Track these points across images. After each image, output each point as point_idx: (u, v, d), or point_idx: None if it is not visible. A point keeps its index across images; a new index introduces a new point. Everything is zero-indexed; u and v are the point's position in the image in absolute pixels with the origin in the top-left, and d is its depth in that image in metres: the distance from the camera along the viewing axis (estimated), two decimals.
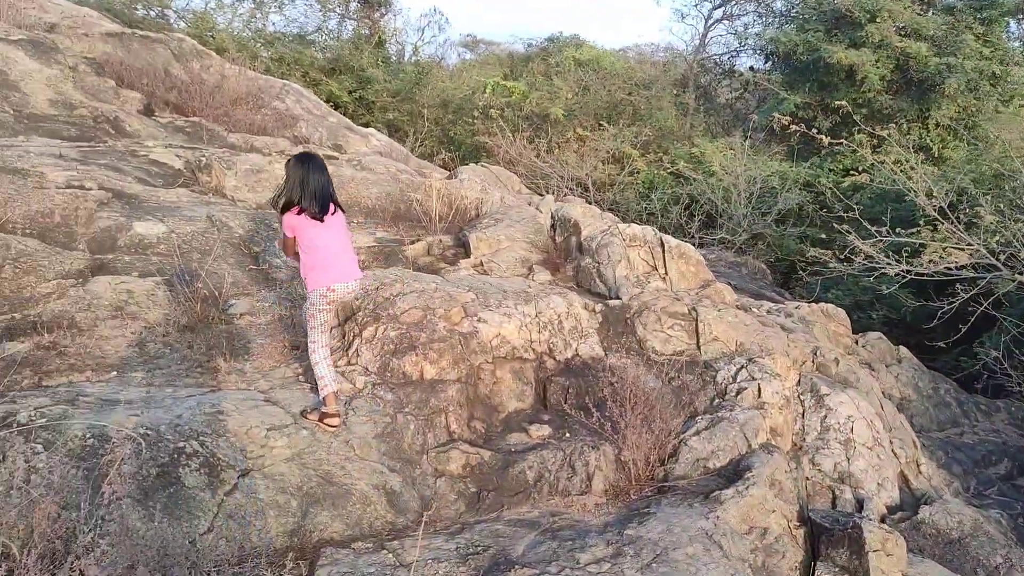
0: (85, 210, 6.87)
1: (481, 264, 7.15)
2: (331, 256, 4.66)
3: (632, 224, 7.88)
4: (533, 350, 5.88)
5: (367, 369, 5.17)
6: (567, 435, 5.43)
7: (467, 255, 7.44)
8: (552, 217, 7.94)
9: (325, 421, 4.63)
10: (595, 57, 23.02)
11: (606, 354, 6.18)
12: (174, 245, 6.91)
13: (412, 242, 7.82)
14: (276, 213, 4.99)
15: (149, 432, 3.95)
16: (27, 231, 6.46)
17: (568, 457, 5.16)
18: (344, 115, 21.85)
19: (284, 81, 16.37)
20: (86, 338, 5.39)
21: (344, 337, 5.48)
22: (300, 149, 10.17)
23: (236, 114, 13.45)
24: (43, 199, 6.78)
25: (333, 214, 4.70)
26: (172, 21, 21.79)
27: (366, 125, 19.61)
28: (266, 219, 7.86)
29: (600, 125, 19.83)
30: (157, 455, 3.86)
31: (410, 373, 5.19)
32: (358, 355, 5.26)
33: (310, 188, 4.61)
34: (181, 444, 3.98)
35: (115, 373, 4.91)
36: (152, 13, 21.28)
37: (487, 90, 23.59)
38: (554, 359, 5.97)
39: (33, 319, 5.59)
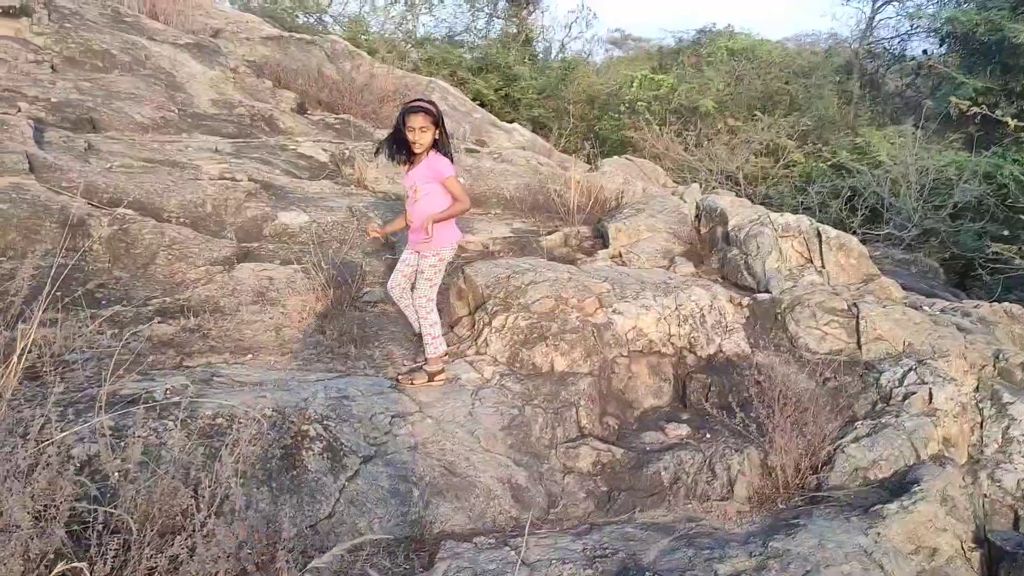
0: (235, 200, 7.11)
1: (619, 255, 6.87)
2: None
3: (785, 213, 7.36)
4: (672, 344, 5.55)
5: (496, 359, 5.02)
6: (707, 436, 5.07)
7: (605, 246, 7.17)
8: (697, 207, 7.55)
9: (437, 378, 4.68)
10: (750, 46, 22.11)
11: (752, 351, 5.75)
12: (314, 234, 7.03)
13: (549, 232, 7.63)
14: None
15: (275, 414, 3.94)
16: (181, 219, 6.74)
17: (708, 459, 4.82)
18: (490, 112, 22.04)
19: (430, 79, 16.62)
20: (228, 322, 5.53)
21: (474, 326, 5.35)
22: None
23: (383, 111, 13.74)
24: (196, 189, 7.06)
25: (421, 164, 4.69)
26: (329, 25, 22.69)
27: (511, 122, 19.68)
28: (391, 206, 7.88)
29: (753, 116, 18.99)
30: (282, 437, 3.85)
31: (540, 364, 4.99)
32: (487, 344, 5.12)
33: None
34: (305, 427, 3.95)
35: (251, 356, 4.99)
36: (311, 19, 22.24)
37: (634, 84, 23.15)
38: (695, 355, 5.61)
39: (183, 303, 5.80)
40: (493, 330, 5.16)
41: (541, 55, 30.01)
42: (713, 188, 15.60)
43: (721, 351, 5.71)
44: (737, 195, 14.37)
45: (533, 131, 19.60)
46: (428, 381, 4.67)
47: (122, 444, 3.52)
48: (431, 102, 4.65)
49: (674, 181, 14.80)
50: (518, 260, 6.01)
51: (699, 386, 5.43)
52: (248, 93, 12.17)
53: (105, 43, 11.12)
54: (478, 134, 15.45)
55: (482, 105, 22.59)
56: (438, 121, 4.54)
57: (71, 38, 10.81)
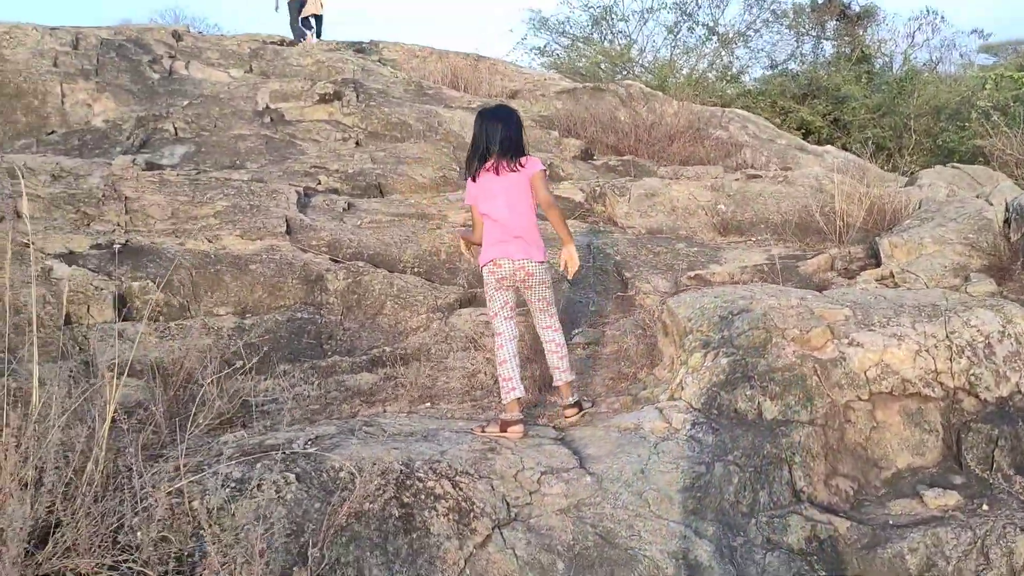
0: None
1: (891, 275, 5.53)
2: None
3: None
4: (940, 384, 4.23)
5: (690, 405, 4.16)
6: (983, 507, 3.72)
7: (878, 266, 5.85)
8: (1006, 209, 5.89)
9: (509, 430, 4.00)
10: None
11: None
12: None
13: (813, 256, 6.46)
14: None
15: (402, 468, 3.54)
16: (415, 269, 6.77)
17: (981, 540, 3.50)
18: (817, 141, 20.28)
19: (725, 109, 15.64)
20: (427, 368, 5.31)
21: (672, 366, 4.54)
22: (736, 174, 9.35)
23: (672, 148, 13.14)
24: (433, 239, 7.07)
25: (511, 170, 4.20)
26: (637, 73, 22.63)
27: (843, 147, 17.87)
28: (647, 244, 7.23)
29: None
30: (402, 494, 3.43)
31: (743, 410, 4.04)
32: (682, 388, 4.28)
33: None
34: (431, 484, 3.49)
35: (428, 404, 4.69)
36: (616, 72, 22.36)
37: (986, 86, 19.88)
38: (976, 398, 4.22)
39: (400, 351, 5.72)
40: (689, 370, 4.30)
41: (879, 71, 27.18)
42: None
43: (1019, 392, 4.24)
44: None
45: (868, 153, 17.55)
46: (500, 432, 4.01)
47: (242, 494, 3.35)
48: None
49: None
50: (735, 287, 5.05)
51: (981, 440, 4.05)
52: (533, 146, 12.30)
53: (403, 115, 11.95)
54: (783, 160, 14.12)
55: (807, 134, 20.92)
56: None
57: (374, 115, 11.77)
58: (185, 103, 11.26)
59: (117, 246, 6.17)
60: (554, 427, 4.20)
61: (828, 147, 15.52)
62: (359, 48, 16.13)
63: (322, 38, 14.91)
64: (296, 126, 11.38)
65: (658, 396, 4.38)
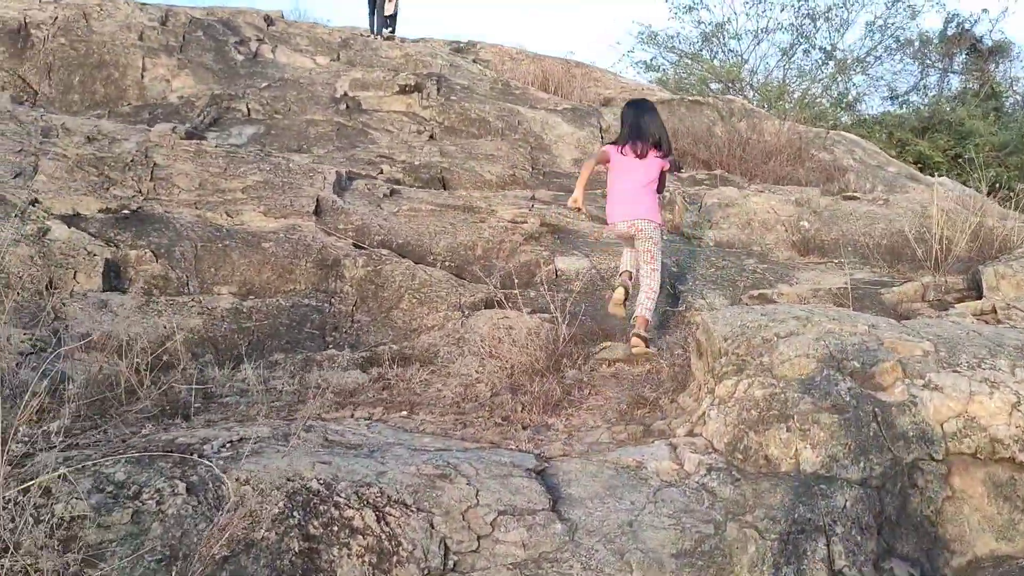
0: (509, 243, 6.22)
1: (993, 310, 4.42)
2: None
3: None
4: None
5: (711, 444, 3.25)
6: None
7: (979, 298, 4.74)
8: None
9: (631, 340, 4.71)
10: None
11: None
12: (589, 281, 5.81)
13: (902, 283, 5.37)
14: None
15: (320, 489, 2.78)
16: (446, 263, 6.04)
17: None
18: (934, 175, 18.58)
19: (830, 131, 14.33)
20: (429, 372, 4.55)
21: (699, 393, 3.62)
22: (833, 198, 8.25)
23: (768, 167, 12.03)
24: (472, 232, 6.34)
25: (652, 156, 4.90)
26: (747, 94, 21.33)
27: (965, 183, 16.25)
28: (711, 257, 6.27)
29: None
30: (310, 523, 2.67)
31: (775, 458, 3.10)
32: (704, 422, 3.36)
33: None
34: (350, 514, 2.72)
35: (404, 413, 3.92)
36: (726, 92, 21.13)
37: None
38: None
39: (405, 351, 5.00)
40: (716, 401, 3.38)
41: (1009, 111, 24.93)
42: None
43: None
44: None
45: (990, 193, 15.86)
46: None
47: (115, 502, 2.67)
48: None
49: None
50: (788, 305, 4.08)
51: None
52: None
53: (483, 112, 11.31)
54: (890, 189, 12.74)
55: (922, 168, 19.22)
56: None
57: (453, 109, 11.17)
58: (263, 85, 10.94)
59: (126, 212, 5.70)
60: (537, 455, 3.35)
61: (943, 179, 14.00)
62: (456, 47, 15.64)
63: (394, 34, 14.42)
64: (371, 115, 10.89)
65: (675, 429, 3.48)
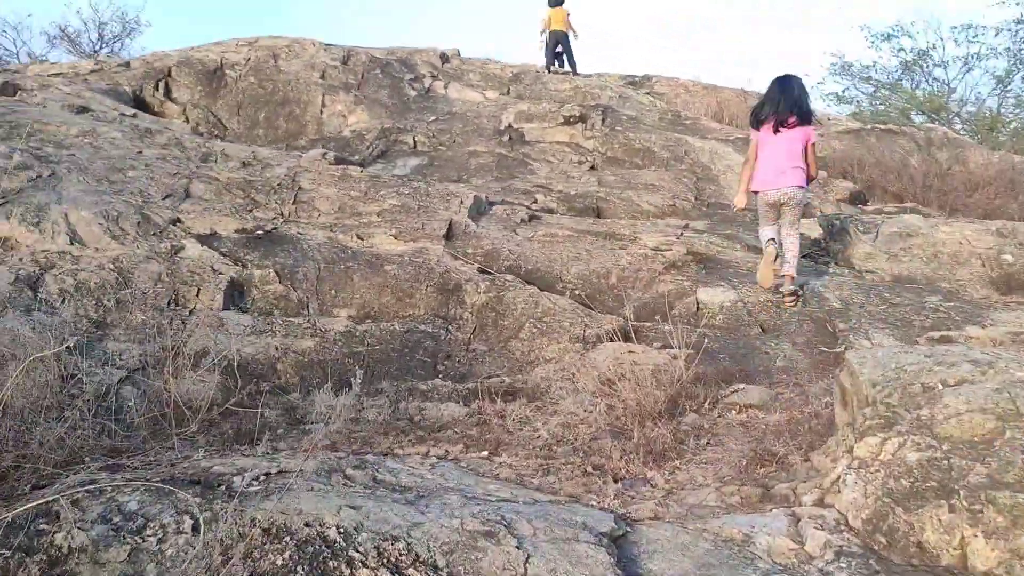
0: (647, 272, 5.56)
1: None
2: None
3: None
4: None
5: (843, 520, 2.45)
6: None
7: None
8: None
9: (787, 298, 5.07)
10: None
11: None
12: (734, 316, 5.03)
13: None
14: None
15: (337, 540, 2.30)
16: (576, 290, 5.47)
17: None
18: None
19: None
20: (532, 409, 3.99)
21: (836, 450, 2.80)
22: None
23: (972, 200, 10.56)
24: (606, 259, 5.73)
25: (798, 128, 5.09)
26: (956, 127, 19.09)
27: None
28: (884, 293, 5.27)
29: None
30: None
31: (931, 547, 2.25)
32: (838, 489, 2.56)
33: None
34: (363, 574, 2.21)
35: (485, 453, 3.37)
36: (930, 120, 19.05)
37: None
38: None
39: (517, 384, 4.48)
40: (854, 462, 2.56)
41: None
42: None
43: None
44: None
45: None
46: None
47: (116, 535, 2.33)
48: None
49: None
50: (965, 346, 3.13)
51: None
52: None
53: (648, 142, 10.72)
54: None
55: None
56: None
57: (616, 140, 10.67)
58: (431, 119, 10.97)
59: (260, 232, 5.62)
60: (620, 516, 2.68)
61: None
62: (631, 80, 15.14)
63: (576, 70, 14.07)
64: (533, 146, 10.59)
65: (800, 495, 2.69)
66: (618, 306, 5.32)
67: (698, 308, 5.21)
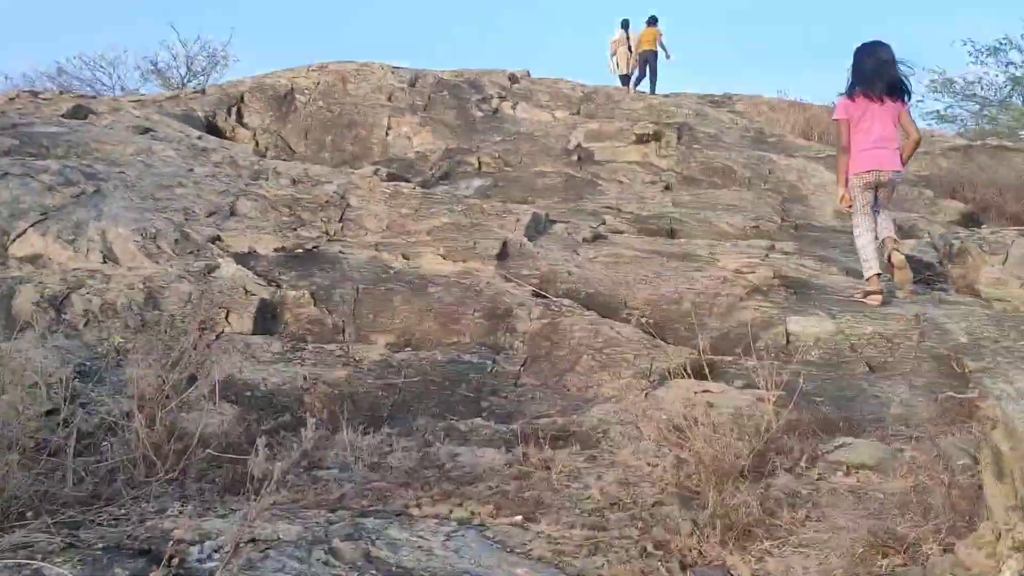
0: (727, 298, 4.78)
1: None
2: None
3: None
4: None
5: None
6: None
7: None
8: None
9: (868, 297, 4.69)
10: None
11: None
12: (834, 350, 4.21)
13: None
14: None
15: None
16: (644, 318, 4.74)
17: None
18: None
19: None
20: (584, 459, 3.28)
21: (995, 540, 1.99)
22: None
23: None
24: (681, 283, 4.98)
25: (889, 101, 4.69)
26: None
27: None
28: (1020, 326, 4.35)
29: None
30: None
31: None
32: None
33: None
34: None
35: (519, 518, 2.66)
36: None
37: None
38: None
39: (571, 426, 3.78)
40: (1017, 555, 1.76)
41: None
42: None
43: None
44: None
45: None
46: (862, 297, 4.76)
47: None
48: None
49: None
50: None
51: None
52: (896, 203, 9.42)
53: (728, 160, 9.91)
54: None
55: None
56: None
57: (694, 158, 9.91)
58: (498, 139, 10.43)
59: (300, 251, 5.10)
60: None
61: None
62: (711, 100, 14.33)
63: (655, 90, 13.39)
64: (603, 166, 9.92)
65: None
66: (691, 337, 4.55)
67: (788, 341, 4.40)
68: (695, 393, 3.75)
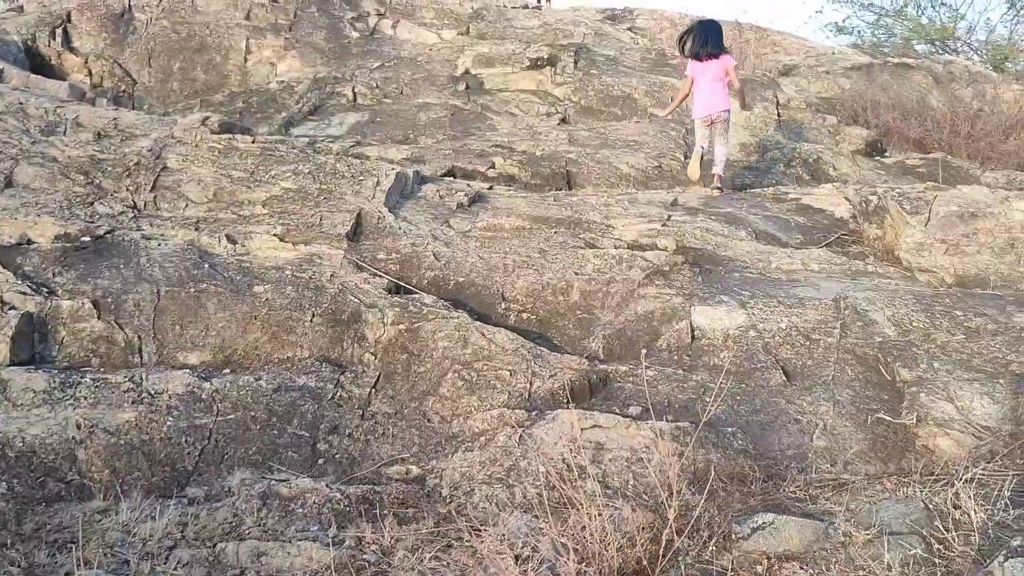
0: (622, 284, 3.95)
1: None
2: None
3: None
4: None
5: None
6: None
7: None
8: None
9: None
10: None
11: None
12: (745, 351, 3.46)
13: None
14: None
15: None
16: (524, 312, 3.88)
17: None
18: None
19: None
20: (439, 548, 2.45)
21: None
22: None
23: (1007, 146, 8.93)
24: (568, 265, 4.11)
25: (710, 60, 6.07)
26: (963, 54, 17.21)
27: None
28: (954, 310, 3.69)
29: None
30: None
31: None
32: None
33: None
34: None
35: None
36: (937, 50, 17.14)
37: None
38: None
39: (428, 478, 2.95)
40: None
41: None
42: None
43: None
44: None
45: None
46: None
47: None
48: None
49: None
50: None
51: None
52: (792, 133, 8.76)
53: (629, 87, 8.98)
54: None
55: None
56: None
57: (592, 86, 8.92)
58: (375, 65, 9.16)
59: (86, 239, 3.97)
60: None
61: None
62: (610, 15, 13.21)
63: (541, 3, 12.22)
64: (494, 96, 8.84)
65: None
66: (582, 335, 3.74)
67: (693, 337, 3.63)
68: (583, 429, 2.95)
